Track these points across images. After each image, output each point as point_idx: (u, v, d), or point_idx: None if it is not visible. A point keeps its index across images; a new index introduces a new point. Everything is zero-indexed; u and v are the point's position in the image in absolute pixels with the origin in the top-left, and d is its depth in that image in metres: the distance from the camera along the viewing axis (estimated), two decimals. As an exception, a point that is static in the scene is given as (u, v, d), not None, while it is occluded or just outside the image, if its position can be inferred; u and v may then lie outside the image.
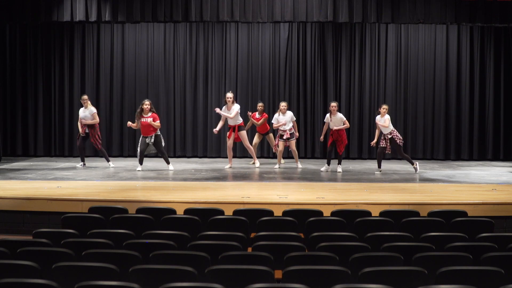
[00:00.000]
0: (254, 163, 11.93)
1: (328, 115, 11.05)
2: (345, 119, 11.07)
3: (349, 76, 13.83)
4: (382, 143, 10.70)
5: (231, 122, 11.53)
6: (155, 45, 13.90)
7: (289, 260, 4.49)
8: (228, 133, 11.66)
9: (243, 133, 11.54)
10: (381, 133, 10.73)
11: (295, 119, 11.63)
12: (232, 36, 13.85)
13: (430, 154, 13.80)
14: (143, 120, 10.78)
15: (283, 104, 11.47)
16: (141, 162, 11.02)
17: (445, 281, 4.05)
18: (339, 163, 11.13)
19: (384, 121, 10.61)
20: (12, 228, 7.50)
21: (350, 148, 13.81)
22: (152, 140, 10.84)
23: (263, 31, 13.83)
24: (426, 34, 13.79)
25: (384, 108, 10.72)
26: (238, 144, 13.69)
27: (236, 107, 11.43)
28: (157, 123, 10.80)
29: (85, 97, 11.53)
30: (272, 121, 11.59)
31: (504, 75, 13.66)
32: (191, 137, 13.88)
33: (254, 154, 11.86)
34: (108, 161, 11.50)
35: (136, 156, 13.55)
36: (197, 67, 13.90)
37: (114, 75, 13.90)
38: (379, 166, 10.93)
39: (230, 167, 11.49)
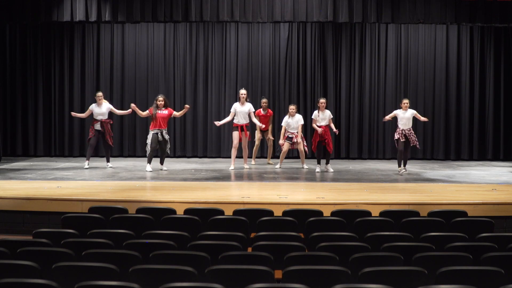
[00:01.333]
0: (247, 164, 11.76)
1: (316, 111, 10.98)
2: (331, 117, 10.97)
3: (349, 76, 13.84)
4: (400, 138, 10.63)
5: (242, 121, 11.37)
6: (155, 45, 13.91)
7: (289, 260, 4.49)
8: (236, 132, 11.39)
9: (248, 134, 11.55)
10: (395, 128, 10.77)
11: (302, 122, 11.46)
12: (232, 36, 13.85)
13: (430, 154, 13.81)
14: (159, 112, 10.83)
15: (291, 107, 11.32)
16: (150, 161, 10.93)
17: (445, 281, 4.05)
18: (328, 162, 11.00)
19: (412, 115, 10.70)
20: (12, 228, 7.50)
21: (350, 148, 13.82)
22: (166, 137, 10.88)
23: (263, 31, 13.83)
24: (426, 34, 13.80)
25: (405, 102, 10.73)
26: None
27: (249, 105, 11.43)
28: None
29: (100, 94, 11.47)
30: (282, 124, 11.50)
31: (504, 75, 13.66)
32: (191, 137, 13.88)
33: (246, 155, 11.67)
34: (108, 161, 11.50)
35: (135, 156, 13.66)
36: (197, 67, 13.90)
37: (114, 75, 13.90)
38: (400, 165, 10.86)
39: (249, 167, 11.53)
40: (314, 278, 4.08)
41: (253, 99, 13.68)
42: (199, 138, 13.83)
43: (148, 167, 10.84)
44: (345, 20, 11.09)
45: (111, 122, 11.65)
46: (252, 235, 5.65)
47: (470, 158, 13.63)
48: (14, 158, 13.23)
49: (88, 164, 11.28)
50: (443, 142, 13.79)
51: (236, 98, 13.71)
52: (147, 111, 10.98)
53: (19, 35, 13.72)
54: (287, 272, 4.14)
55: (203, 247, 4.80)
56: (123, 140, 13.92)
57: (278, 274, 4.32)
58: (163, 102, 10.87)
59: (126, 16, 11.10)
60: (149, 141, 10.84)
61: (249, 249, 5.12)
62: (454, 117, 13.76)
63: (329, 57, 13.79)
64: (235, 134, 11.38)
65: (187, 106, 11.31)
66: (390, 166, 11.94)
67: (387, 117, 11.09)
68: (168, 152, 11.20)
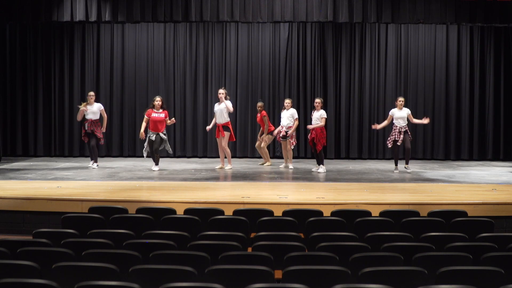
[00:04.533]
0: (225, 166, 11.38)
1: (313, 111, 11.09)
2: (324, 116, 10.86)
3: (349, 76, 13.84)
4: (393, 138, 10.78)
5: (219, 121, 11.16)
6: (155, 45, 13.91)
7: (289, 260, 4.49)
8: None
9: (227, 134, 11.20)
10: (391, 127, 10.86)
11: (296, 117, 11.51)
12: (232, 36, 13.85)
13: (430, 154, 13.81)
14: (154, 115, 10.79)
15: (287, 101, 11.53)
16: (156, 162, 11.01)
17: (445, 281, 4.05)
18: (318, 163, 10.96)
19: (407, 113, 10.83)
20: (12, 228, 7.50)
21: (350, 148, 13.82)
22: (165, 137, 10.85)
23: (263, 31, 13.83)
24: (426, 34, 13.79)
25: (401, 100, 10.88)
26: (237, 143, 13.68)
27: (227, 103, 11.18)
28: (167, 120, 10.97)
29: (92, 93, 11.56)
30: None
31: (504, 75, 13.66)
32: (191, 137, 13.88)
33: (229, 157, 11.40)
34: (95, 161, 11.35)
35: (135, 156, 13.64)
36: (197, 67, 13.90)
37: (114, 75, 13.90)
38: (396, 165, 11.05)
39: (222, 168, 11.32)
40: (314, 278, 4.08)
41: (253, 99, 13.72)
42: (199, 138, 13.82)
43: (155, 167, 10.96)
44: (345, 20, 11.09)
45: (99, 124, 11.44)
46: (252, 235, 5.65)
47: (470, 158, 13.63)
48: (14, 158, 13.23)
49: (97, 165, 11.30)
50: (443, 142, 13.78)
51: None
52: (145, 117, 10.94)
53: (19, 35, 13.72)
54: (287, 272, 4.13)
55: (203, 247, 4.80)
56: (123, 140, 13.91)
57: (278, 274, 4.32)
58: (160, 103, 10.87)
59: (126, 16, 11.10)
60: (145, 144, 10.92)
61: (249, 249, 5.12)
62: (454, 117, 13.76)
63: (329, 57, 13.79)
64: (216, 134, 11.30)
65: (174, 120, 11.45)
66: (390, 166, 11.91)
67: (380, 126, 11.18)
68: (169, 151, 11.28)
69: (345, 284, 3.77)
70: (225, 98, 11.25)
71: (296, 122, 11.47)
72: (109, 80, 13.90)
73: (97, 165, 11.35)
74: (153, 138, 10.80)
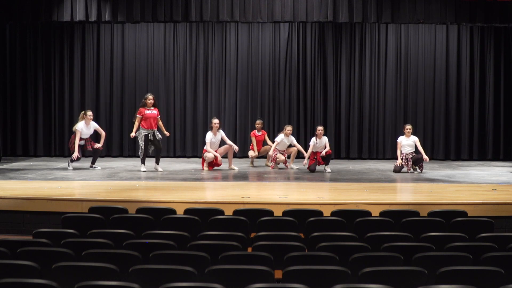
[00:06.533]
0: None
1: (314, 138, 10.95)
2: (327, 142, 10.97)
3: (349, 76, 13.85)
4: (400, 165, 10.89)
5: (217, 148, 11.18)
6: (155, 45, 13.91)
7: (289, 260, 4.49)
8: (210, 154, 11.02)
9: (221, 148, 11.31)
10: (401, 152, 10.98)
11: (296, 143, 11.50)
12: (232, 36, 13.86)
13: (430, 154, 13.78)
14: (147, 112, 10.63)
15: (288, 128, 11.38)
16: (144, 162, 10.85)
17: (445, 281, 4.05)
18: (327, 164, 11.00)
19: (414, 142, 10.95)
20: (12, 228, 7.50)
21: (350, 148, 13.83)
22: (159, 136, 10.73)
23: (263, 31, 13.84)
24: (426, 34, 13.80)
25: (408, 128, 10.95)
26: (237, 144, 13.68)
27: (221, 133, 11.22)
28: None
29: (91, 113, 11.28)
30: (276, 139, 11.40)
31: (504, 75, 13.67)
32: (191, 137, 13.88)
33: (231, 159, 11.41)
34: (92, 163, 11.33)
35: (135, 156, 13.62)
36: (197, 67, 13.90)
37: (114, 75, 13.91)
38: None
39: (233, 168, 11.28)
40: (314, 278, 4.08)
41: (253, 99, 13.75)
42: (199, 138, 13.82)
43: (142, 168, 10.79)
44: (345, 20, 11.09)
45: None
46: (252, 235, 5.65)
47: (470, 158, 13.64)
48: (14, 158, 13.24)
49: (93, 167, 11.17)
50: (443, 142, 13.79)
51: (236, 99, 13.76)
52: (138, 116, 10.65)
53: (19, 35, 13.72)
54: (287, 272, 4.13)
55: (203, 247, 4.80)
56: (123, 140, 13.91)
57: (278, 274, 4.32)
58: (152, 101, 10.68)
59: (126, 16, 11.10)
60: (142, 142, 10.70)
61: (249, 249, 5.12)
62: (454, 117, 13.77)
63: (329, 57, 13.79)
64: (210, 155, 10.99)
65: (167, 133, 11.15)
66: (390, 166, 11.91)
67: (399, 161, 10.92)
68: (149, 152, 10.92)
69: (345, 284, 3.77)
70: (218, 130, 11.16)
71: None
72: (109, 80, 13.91)
73: (94, 167, 11.30)
74: (151, 137, 10.71)
